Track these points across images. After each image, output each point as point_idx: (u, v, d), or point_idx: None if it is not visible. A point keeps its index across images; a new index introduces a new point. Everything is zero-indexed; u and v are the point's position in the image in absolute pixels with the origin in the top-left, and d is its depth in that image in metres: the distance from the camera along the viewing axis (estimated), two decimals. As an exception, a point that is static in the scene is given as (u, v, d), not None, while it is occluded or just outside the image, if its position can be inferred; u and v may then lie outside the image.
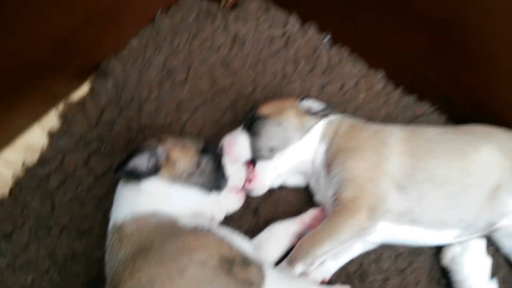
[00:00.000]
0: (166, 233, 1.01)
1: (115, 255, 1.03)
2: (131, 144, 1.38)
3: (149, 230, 1.02)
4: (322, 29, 1.62)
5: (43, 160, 1.35)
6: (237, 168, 1.25)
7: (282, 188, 1.35)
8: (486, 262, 1.24)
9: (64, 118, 1.41)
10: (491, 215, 1.21)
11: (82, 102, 1.43)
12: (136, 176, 1.09)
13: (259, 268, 1.03)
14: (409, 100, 1.53)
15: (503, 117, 1.35)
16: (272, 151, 1.25)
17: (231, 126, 1.42)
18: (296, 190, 1.37)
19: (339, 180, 1.18)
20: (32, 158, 1.35)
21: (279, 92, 1.52)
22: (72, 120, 1.40)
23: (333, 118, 1.32)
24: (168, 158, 1.12)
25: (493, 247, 1.30)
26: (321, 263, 1.20)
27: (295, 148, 1.27)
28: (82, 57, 1.43)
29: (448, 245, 1.26)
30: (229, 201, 1.25)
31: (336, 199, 1.17)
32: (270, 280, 1.03)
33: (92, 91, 1.46)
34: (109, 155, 1.37)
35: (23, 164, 1.34)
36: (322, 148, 1.27)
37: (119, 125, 1.41)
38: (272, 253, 1.22)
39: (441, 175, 1.19)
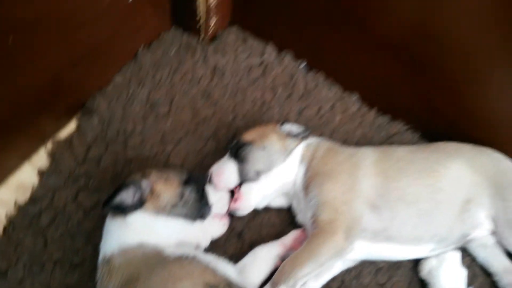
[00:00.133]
0: (152, 264, 1.05)
1: (105, 287, 1.07)
2: (118, 178, 1.40)
3: (136, 262, 1.06)
4: (297, 56, 1.67)
5: (34, 198, 1.37)
6: (220, 195, 1.29)
7: (265, 211, 1.38)
8: (462, 273, 1.27)
9: (53, 156, 1.43)
10: (463, 228, 1.25)
11: (69, 140, 1.46)
12: (123, 210, 1.12)
13: (244, 292, 1.06)
14: (383, 120, 1.58)
15: (471, 134, 1.39)
16: (258, 174, 1.30)
17: (214, 155, 1.46)
18: (278, 213, 1.40)
19: (316, 203, 1.23)
20: (24, 196, 1.37)
21: (259, 119, 1.57)
22: (60, 158, 1.42)
23: (311, 141, 1.37)
24: (152, 191, 1.16)
25: (469, 257, 1.34)
26: (303, 284, 1.22)
27: (279, 170, 1.32)
28: (68, 96, 1.46)
29: (425, 258, 1.29)
30: (213, 227, 1.29)
31: (314, 221, 1.22)
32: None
33: (78, 128, 1.49)
34: (96, 190, 1.39)
35: (15, 203, 1.36)
36: (302, 171, 1.32)
37: (106, 160, 1.44)
38: (256, 276, 1.24)
39: (412, 193, 1.23)
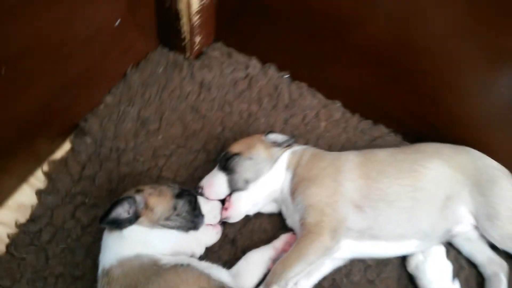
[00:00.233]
0: (149, 274, 1.09)
1: (105, 298, 1.11)
2: (113, 194, 1.43)
3: (133, 272, 1.10)
4: (281, 68, 1.72)
5: (34, 217, 1.40)
6: (212, 205, 1.34)
7: (256, 217, 1.42)
8: (447, 266, 1.32)
9: (49, 176, 1.46)
10: (446, 223, 1.30)
11: (64, 160, 1.49)
12: (119, 224, 1.16)
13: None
14: (366, 125, 1.63)
15: (450, 134, 1.44)
16: (247, 183, 1.35)
17: (204, 166, 1.51)
18: (269, 218, 1.44)
19: (303, 207, 1.28)
20: (24, 216, 1.41)
21: (246, 129, 1.61)
22: (57, 178, 1.45)
23: (296, 148, 1.42)
24: (146, 205, 1.20)
25: (455, 251, 1.39)
26: (295, 284, 1.27)
27: (266, 178, 1.36)
28: (61, 119, 1.49)
29: (412, 254, 1.34)
30: (207, 236, 1.33)
31: (302, 224, 1.26)
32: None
33: (73, 149, 1.52)
34: (93, 206, 1.42)
35: (16, 223, 1.39)
36: (288, 177, 1.37)
37: (100, 178, 1.47)
38: (250, 280, 1.27)
39: (393, 193, 1.28)
